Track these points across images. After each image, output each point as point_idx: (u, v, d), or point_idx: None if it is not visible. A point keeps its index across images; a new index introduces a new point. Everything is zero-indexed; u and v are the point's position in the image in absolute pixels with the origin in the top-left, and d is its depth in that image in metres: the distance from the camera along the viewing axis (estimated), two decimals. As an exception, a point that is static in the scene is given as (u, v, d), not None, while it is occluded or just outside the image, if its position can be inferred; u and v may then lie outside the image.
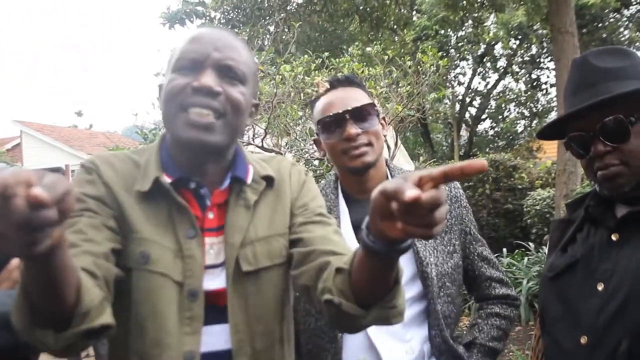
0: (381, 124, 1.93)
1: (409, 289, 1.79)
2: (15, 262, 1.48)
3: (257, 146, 5.88)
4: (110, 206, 1.33)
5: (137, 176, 1.39)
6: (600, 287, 1.43)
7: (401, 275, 1.17)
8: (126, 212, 1.33)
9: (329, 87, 1.95)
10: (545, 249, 6.76)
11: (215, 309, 1.34)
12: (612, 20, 16.35)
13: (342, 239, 1.45)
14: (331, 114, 1.85)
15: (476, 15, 14.39)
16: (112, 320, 1.17)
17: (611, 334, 1.36)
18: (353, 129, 1.81)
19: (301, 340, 1.87)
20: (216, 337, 1.35)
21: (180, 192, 1.37)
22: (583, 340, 1.41)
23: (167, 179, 1.36)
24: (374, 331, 1.76)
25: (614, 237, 1.47)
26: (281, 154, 5.92)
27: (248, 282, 1.37)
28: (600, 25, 15.72)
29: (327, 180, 2.02)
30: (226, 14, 15.80)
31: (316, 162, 6.45)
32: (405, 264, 1.78)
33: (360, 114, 1.83)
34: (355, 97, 1.86)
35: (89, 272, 1.17)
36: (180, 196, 1.36)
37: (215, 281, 1.36)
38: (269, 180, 1.47)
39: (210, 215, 1.39)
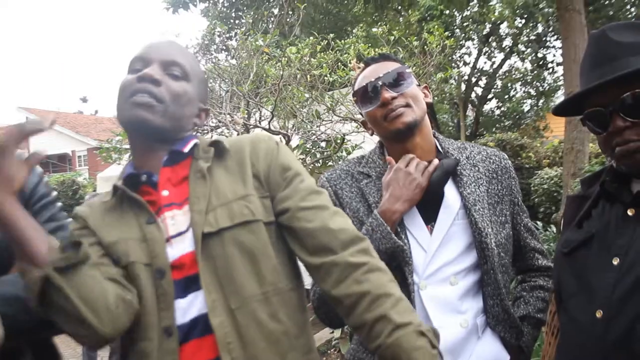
0: (424, 92, 1.97)
1: (465, 259, 1.84)
2: None
3: (264, 129, 5.88)
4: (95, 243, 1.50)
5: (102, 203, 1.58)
6: (615, 262, 1.42)
7: None
8: (103, 240, 1.49)
9: (363, 66, 2.01)
10: (554, 228, 6.76)
11: (189, 279, 1.44)
12: (618, -3, 16.21)
13: (343, 220, 1.53)
14: (364, 84, 1.91)
15: (481, -6, 14.29)
16: None
17: (627, 307, 1.36)
18: (387, 93, 1.85)
19: None
20: (194, 305, 1.43)
21: (138, 187, 1.53)
22: (598, 314, 1.41)
23: (120, 182, 1.54)
24: (429, 302, 1.79)
25: (629, 213, 1.46)
26: (288, 136, 5.92)
27: (212, 244, 1.45)
28: (607, 2, 15.58)
29: (372, 150, 2.07)
30: (230, -3, 15.74)
31: (323, 144, 6.44)
32: (461, 233, 1.83)
33: (393, 79, 1.88)
34: (387, 67, 1.90)
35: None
36: (139, 189, 1.53)
37: (180, 247, 1.46)
38: (217, 147, 1.59)
39: (165, 193, 1.52)
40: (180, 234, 1.47)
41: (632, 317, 1.34)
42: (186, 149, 1.56)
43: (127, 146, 7.04)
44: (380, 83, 1.87)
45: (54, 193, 1.66)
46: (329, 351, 5.87)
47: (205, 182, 1.51)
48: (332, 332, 5.37)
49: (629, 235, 1.43)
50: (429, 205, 1.86)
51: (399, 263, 1.80)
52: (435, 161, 1.89)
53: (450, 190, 1.89)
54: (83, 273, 1.33)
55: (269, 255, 1.49)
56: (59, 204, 1.66)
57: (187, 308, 1.42)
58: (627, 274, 1.39)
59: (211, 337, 1.40)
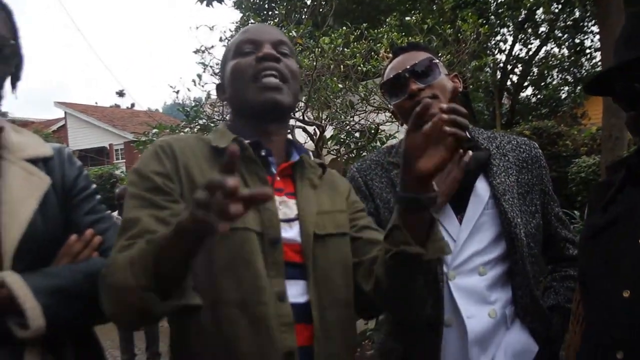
0: (454, 81, 1.96)
1: (494, 249, 1.84)
2: (74, 237, 1.53)
3: (298, 119, 5.90)
4: (175, 181, 1.47)
5: (205, 147, 1.56)
6: None
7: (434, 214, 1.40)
8: (199, 180, 1.46)
9: (392, 56, 2.01)
10: (591, 217, 6.63)
11: (290, 264, 1.49)
12: (658, -20, 15.81)
13: None
14: (392, 75, 1.91)
15: (517, -21, 14.06)
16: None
17: None
18: (414, 85, 1.85)
19: None
20: (292, 290, 1.47)
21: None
22: (625, 294, 1.39)
23: (244, 140, 1.54)
24: (458, 292, 1.80)
25: None
26: (322, 126, 5.92)
27: (317, 244, 1.52)
28: (646, -15, 15.24)
29: (402, 139, 2.10)
30: (263, -12, 15.76)
31: (357, 134, 6.44)
32: (491, 223, 1.83)
33: (421, 70, 1.87)
34: (416, 57, 1.89)
35: None
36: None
37: (288, 233, 1.51)
38: (323, 169, 1.69)
39: (278, 178, 1.58)
40: (286, 220, 1.52)
41: None
42: (311, 156, 1.68)
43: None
44: (407, 74, 1.87)
45: (94, 186, 1.68)
46: (363, 342, 5.88)
47: (313, 191, 1.61)
48: (367, 323, 5.38)
49: None
50: (458, 195, 1.86)
51: None
52: (470, 153, 1.88)
53: (479, 180, 1.90)
54: None
55: (351, 265, 1.60)
56: (98, 196, 1.68)
57: (291, 290, 1.47)
58: None
59: (303, 326, 1.46)
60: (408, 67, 1.87)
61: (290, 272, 1.47)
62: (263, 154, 1.56)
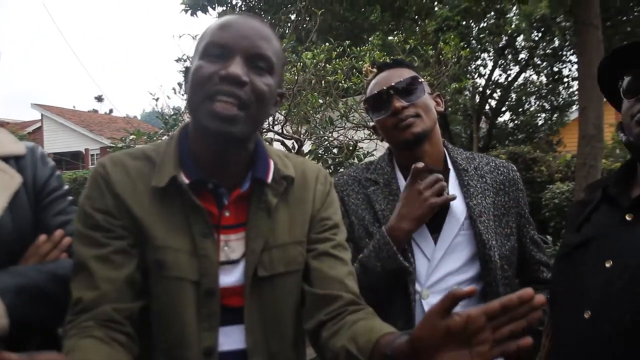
0: (436, 101, 1.97)
1: (468, 270, 1.84)
2: (43, 237, 1.51)
3: (277, 133, 5.89)
4: (118, 217, 1.36)
5: (151, 174, 1.40)
6: (608, 264, 1.43)
7: None
8: (139, 218, 1.36)
9: (376, 71, 2.00)
10: (563, 243, 6.69)
11: (231, 310, 1.39)
12: (636, 13, 16.10)
13: (354, 282, 1.51)
14: (376, 91, 1.91)
15: (499, 6, 14.25)
16: None
17: (615, 309, 1.36)
18: (398, 103, 1.85)
19: None
20: (232, 337, 1.40)
21: (197, 190, 1.38)
22: (587, 314, 1.42)
23: (184, 179, 1.37)
24: None
25: (627, 217, 1.47)
26: (301, 141, 5.92)
27: (263, 286, 1.42)
28: (624, 18, 15.48)
29: (381, 156, 2.07)
30: (248, 1, 15.77)
31: (335, 150, 6.45)
32: (466, 244, 1.83)
33: (405, 88, 1.87)
34: (400, 75, 1.90)
35: (111, 325, 1.28)
36: (198, 194, 1.38)
37: (229, 277, 1.40)
38: (289, 181, 1.49)
39: (227, 213, 1.42)
40: (230, 262, 1.40)
41: (618, 318, 1.35)
42: (268, 179, 1.44)
43: (141, 146, 7.06)
44: (392, 91, 1.88)
45: (66, 187, 1.67)
46: None
47: (268, 219, 1.44)
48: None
49: (624, 239, 1.44)
50: (434, 215, 1.86)
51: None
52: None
53: (456, 201, 1.90)
54: None
55: (300, 300, 1.49)
56: (70, 198, 1.66)
57: (228, 338, 1.39)
58: (618, 277, 1.39)
59: None
60: (393, 84, 1.88)
61: (230, 318, 1.39)
62: (210, 187, 1.41)
